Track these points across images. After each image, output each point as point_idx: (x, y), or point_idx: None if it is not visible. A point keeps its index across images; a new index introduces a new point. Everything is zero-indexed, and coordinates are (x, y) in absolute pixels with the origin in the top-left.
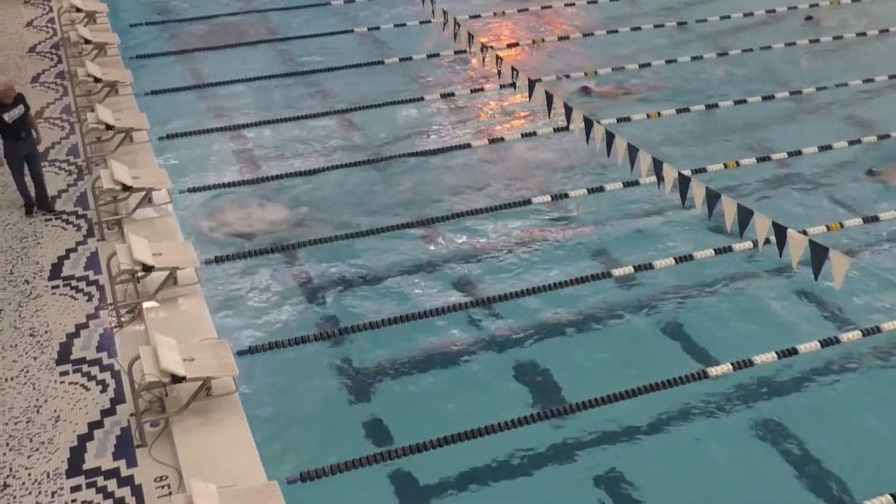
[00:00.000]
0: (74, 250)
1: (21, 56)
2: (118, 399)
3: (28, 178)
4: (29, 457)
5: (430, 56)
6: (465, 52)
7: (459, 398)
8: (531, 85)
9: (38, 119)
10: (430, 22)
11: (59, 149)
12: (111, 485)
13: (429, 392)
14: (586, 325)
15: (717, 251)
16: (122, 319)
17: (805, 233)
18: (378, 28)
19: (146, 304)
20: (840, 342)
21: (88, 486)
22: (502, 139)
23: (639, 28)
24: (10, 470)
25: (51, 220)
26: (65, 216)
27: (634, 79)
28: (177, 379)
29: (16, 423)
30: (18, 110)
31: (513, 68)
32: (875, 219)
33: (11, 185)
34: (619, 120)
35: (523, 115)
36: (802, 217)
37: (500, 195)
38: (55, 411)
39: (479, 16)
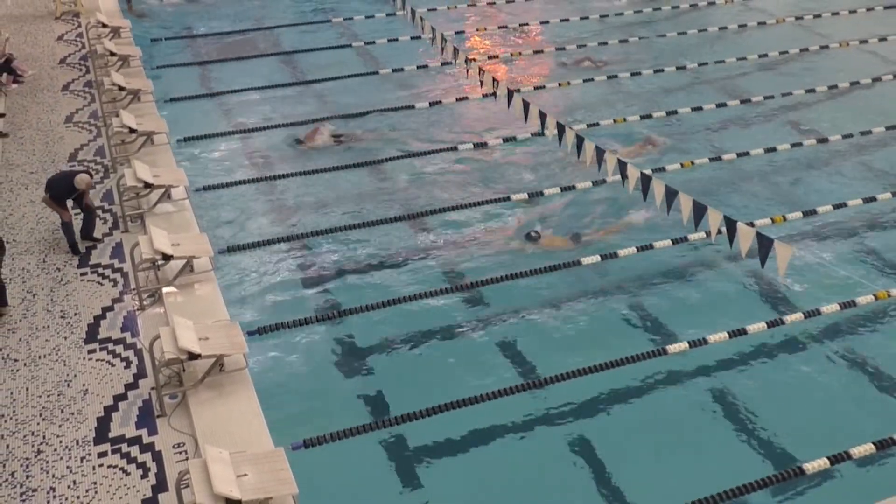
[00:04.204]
0: (101, 241)
1: (52, 67)
2: (140, 374)
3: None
4: (60, 426)
5: (419, 67)
6: (450, 64)
7: (447, 372)
8: (510, 94)
9: (67, 123)
10: (420, 37)
11: (87, 150)
12: (134, 451)
13: (420, 367)
14: (559, 308)
15: (675, 241)
16: (144, 303)
17: (752, 224)
18: (373, 42)
19: (165, 290)
20: (784, 323)
21: (114, 452)
22: (485, 144)
23: (605, 43)
24: (44, 438)
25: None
26: None
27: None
28: (193, 356)
29: (48, 396)
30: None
31: (493, 79)
32: (813, 212)
33: (41, 180)
34: (588, 125)
35: (503, 120)
36: (750, 210)
37: (483, 192)
38: (84, 385)
39: (463, 31)
